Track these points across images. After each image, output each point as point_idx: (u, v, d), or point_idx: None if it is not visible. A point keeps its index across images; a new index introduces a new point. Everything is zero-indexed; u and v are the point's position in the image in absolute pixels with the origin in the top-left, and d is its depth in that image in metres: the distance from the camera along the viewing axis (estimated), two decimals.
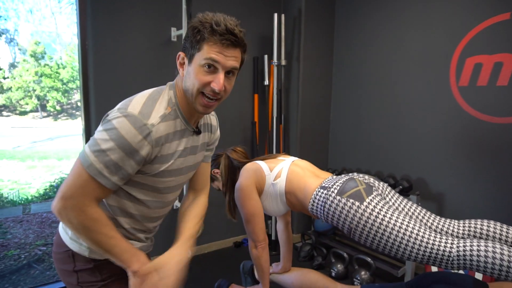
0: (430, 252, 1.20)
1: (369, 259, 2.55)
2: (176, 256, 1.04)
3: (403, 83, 2.82)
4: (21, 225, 3.98)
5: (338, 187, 1.38)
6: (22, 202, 5.48)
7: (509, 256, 1.10)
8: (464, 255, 1.15)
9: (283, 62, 3.05)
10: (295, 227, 3.38)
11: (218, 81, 0.95)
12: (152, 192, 1.08)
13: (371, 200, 1.31)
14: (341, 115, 3.35)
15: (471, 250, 1.14)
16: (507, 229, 1.28)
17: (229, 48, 0.95)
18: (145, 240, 1.18)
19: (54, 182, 6.33)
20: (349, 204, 1.31)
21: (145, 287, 0.96)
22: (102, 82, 2.51)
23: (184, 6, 2.54)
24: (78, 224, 0.94)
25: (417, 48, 2.71)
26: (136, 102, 0.98)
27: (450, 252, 1.17)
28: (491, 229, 1.28)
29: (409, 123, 2.79)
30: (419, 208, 1.43)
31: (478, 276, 1.94)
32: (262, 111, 3.25)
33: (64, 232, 1.12)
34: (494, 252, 1.11)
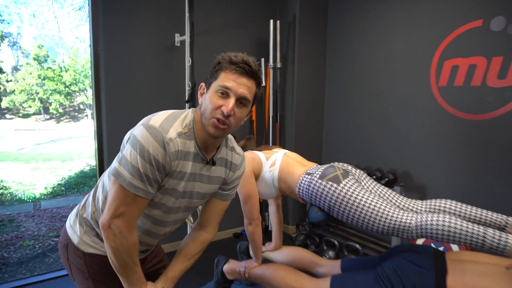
0: (394, 225, 1.43)
1: (357, 246, 2.78)
2: None
3: (389, 84, 3.05)
4: (33, 219, 4.22)
5: (320, 173, 1.61)
6: (30, 200, 5.73)
7: (455, 224, 1.33)
8: (421, 226, 1.38)
9: (279, 65, 3.29)
10: (290, 219, 3.61)
11: (228, 105, 1.04)
12: (158, 208, 1.16)
13: (346, 182, 1.54)
14: (334, 114, 3.59)
15: (426, 221, 1.37)
16: (460, 206, 1.50)
17: (243, 76, 1.06)
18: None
19: (62, 180, 6.60)
20: (328, 185, 1.54)
21: None
22: (112, 83, 2.74)
23: (187, 14, 2.78)
24: (120, 244, 1.05)
25: (401, 52, 2.94)
26: (158, 117, 1.07)
27: (410, 223, 1.40)
28: (447, 206, 1.51)
29: (395, 121, 3.02)
30: (390, 190, 1.66)
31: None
32: (259, 110, 3.48)
33: (69, 224, 1.24)
34: (443, 221, 1.34)
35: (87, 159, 9.17)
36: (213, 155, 1.19)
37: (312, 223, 3.42)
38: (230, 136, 1.30)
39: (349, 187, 1.52)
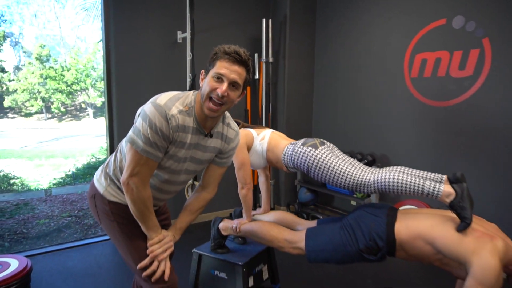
0: (357, 181, 1.78)
1: None
2: (168, 237, 1.48)
3: (369, 77, 3.41)
4: (45, 203, 4.56)
5: (302, 142, 1.97)
6: (40, 189, 6.06)
7: (402, 177, 1.68)
8: (377, 180, 1.73)
9: (271, 60, 3.65)
10: (282, 200, 3.96)
11: (222, 87, 1.28)
12: (164, 170, 1.41)
13: (322, 149, 1.90)
14: (321, 105, 3.94)
15: (381, 177, 1.72)
16: (408, 168, 1.85)
17: (234, 64, 1.29)
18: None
19: (69, 171, 6.94)
20: (308, 150, 1.90)
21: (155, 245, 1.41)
22: (121, 74, 3.09)
23: (188, 13, 3.13)
24: (137, 196, 1.32)
25: (379, 48, 3.30)
26: (164, 97, 1.31)
27: (368, 180, 1.75)
28: (399, 169, 1.85)
29: (374, 110, 3.37)
30: (355, 160, 2.01)
31: None
32: (253, 101, 3.83)
33: (102, 188, 1.48)
34: (394, 176, 1.69)
35: (92, 155, 9.38)
36: (211, 129, 1.43)
37: (302, 203, 3.79)
38: (227, 114, 1.53)
39: (324, 152, 1.88)
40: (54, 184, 6.26)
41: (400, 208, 1.82)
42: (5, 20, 16.64)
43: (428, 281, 2.52)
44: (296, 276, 2.58)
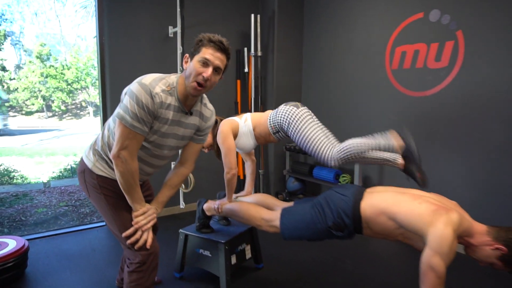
0: (323, 150, 1.99)
1: None
2: (151, 209, 1.62)
3: (354, 69, 3.54)
4: (44, 194, 4.70)
5: (285, 104, 2.16)
6: (39, 182, 6.21)
7: (363, 144, 1.86)
8: (340, 149, 1.92)
9: (259, 54, 3.78)
10: (272, 189, 4.09)
11: (207, 72, 1.44)
12: (149, 144, 1.55)
13: (302, 109, 2.10)
14: (310, 97, 4.07)
15: (343, 145, 1.92)
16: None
17: (218, 52, 1.46)
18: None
19: (68, 165, 7.09)
20: (290, 108, 2.09)
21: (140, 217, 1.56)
22: (115, 68, 3.23)
23: (178, 9, 3.26)
24: (125, 168, 1.46)
25: (363, 41, 3.43)
26: (149, 77, 1.46)
27: (332, 150, 1.94)
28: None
29: (359, 101, 3.50)
30: (329, 132, 2.17)
31: None
32: (243, 94, 3.97)
33: (91, 163, 1.62)
34: (356, 144, 1.88)
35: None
36: (191, 108, 1.59)
37: (290, 192, 3.93)
38: (205, 95, 1.70)
39: (304, 112, 2.09)
40: (53, 178, 6.42)
41: (368, 188, 1.95)
42: (6, 19, 16.76)
43: (400, 261, 2.65)
44: (279, 258, 2.72)
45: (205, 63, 1.44)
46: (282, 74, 3.97)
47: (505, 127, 2.51)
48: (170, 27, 3.44)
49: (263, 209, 2.13)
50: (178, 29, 3.29)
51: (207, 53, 1.44)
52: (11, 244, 2.40)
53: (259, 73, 3.85)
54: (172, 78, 1.52)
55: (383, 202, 1.76)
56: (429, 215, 1.60)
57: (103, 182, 1.60)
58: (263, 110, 3.98)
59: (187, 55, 1.52)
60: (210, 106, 1.73)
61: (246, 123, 2.31)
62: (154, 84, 1.44)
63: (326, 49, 3.81)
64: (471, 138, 2.71)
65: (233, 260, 2.27)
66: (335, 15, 3.69)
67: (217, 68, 1.47)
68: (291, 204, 2.21)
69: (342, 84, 3.67)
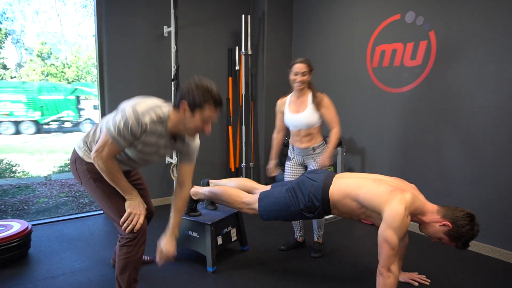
0: None
1: None
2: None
3: (339, 66, 3.74)
4: (45, 186, 4.92)
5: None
6: (40, 176, 6.41)
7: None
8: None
9: (250, 52, 3.99)
10: (262, 180, 4.30)
11: (208, 129, 1.67)
12: (134, 155, 1.75)
13: None
14: None
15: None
16: None
17: (218, 110, 1.65)
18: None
19: (67, 160, 7.29)
20: None
21: (132, 206, 1.74)
22: (113, 65, 3.43)
23: (172, 10, 3.47)
24: (103, 166, 1.65)
25: (347, 41, 3.63)
26: (143, 105, 1.62)
27: None
28: None
29: (343, 97, 3.71)
30: None
31: None
32: (234, 91, 4.18)
33: (82, 152, 1.82)
34: None
35: None
36: (176, 137, 1.77)
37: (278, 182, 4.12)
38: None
39: None
40: (54, 172, 6.63)
41: (337, 174, 2.16)
42: (7, 18, 16.92)
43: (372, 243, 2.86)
44: (264, 241, 2.93)
45: (208, 121, 1.64)
46: (271, 72, 4.17)
47: (473, 120, 2.72)
48: (165, 27, 3.64)
49: (244, 193, 2.34)
50: (172, 28, 3.49)
51: (211, 111, 1.62)
52: (16, 226, 2.60)
53: (249, 70, 4.05)
54: (164, 110, 1.68)
55: (348, 186, 1.97)
56: (386, 195, 1.81)
57: (92, 168, 1.78)
58: (253, 106, 4.19)
59: (185, 102, 1.62)
60: (197, 140, 1.92)
61: None
62: (145, 113, 1.61)
63: (313, 48, 4.02)
64: (441, 130, 2.92)
65: (219, 241, 2.48)
66: (321, 16, 3.89)
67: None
68: (268, 187, 2.41)
69: (327, 80, 3.87)
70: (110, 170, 1.68)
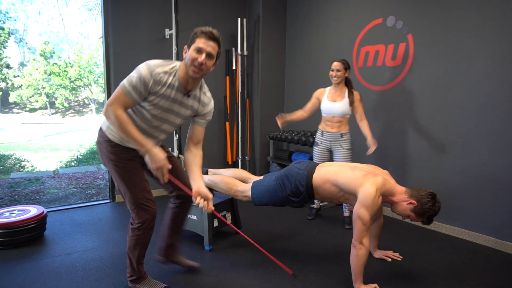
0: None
1: None
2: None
3: (328, 65, 4.01)
4: (54, 179, 5.21)
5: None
6: (48, 170, 6.70)
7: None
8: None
9: (246, 53, 4.27)
10: (257, 173, 4.59)
11: (201, 57, 1.68)
12: (150, 115, 1.79)
13: None
14: (291, 91, 4.57)
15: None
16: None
17: (209, 40, 1.70)
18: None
19: (74, 156, 7.60)
20: None
21: (153, 158, 1.72)
22: (118, 65, 3.73)
23: (173, 14, 3.75)
24: (114, 118, 1.67)
25: (336, 43, 3.92)
26: (155, 61, 1.74)
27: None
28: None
29: None
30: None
31: None
32: (231, 89, 4.46)
33: (105, 126, 1.88)
34: None
35: (95, 143, 9.97)
36: (190, 91, 1.83)
37: None
38: (205, 85, 1.95)
39: None
40: (61, 167, 6.94)
41: (319, 164, 2.45)
42: (10, 17, 17.16)
43: None
44: (257, 225, 3.22)
45: (199, 51, 1.70)
46: (266, 71, 4.46)
47: (445, 114, 3.01)
48: (167, 30, 3.92)
49: (239, 182, 2.63)
50: (174, 31, 3.78)
51: (200, 42, 1.70)
52: (33, 210, 2.90)
53: (245, 70, 4.34)
54: (176, 63, 1.82)
55: (328, 173, 2.26)
56: (360, 179, 2.10)
57: (112, 151, 1.87)
58: (249, 103, 4.48)
59: (186, 46, 1.78)
60: (209, 94, 1.98)
61: None
62: (157, 66, 1.74)
63: (306, 49, 4.30)
64: (419, 123, 3.20)
65: (215, 223, 2.77)
66: (312, 20, 4.18)
67: (209, 54, 1.71)
68: (261, 177, 2.70)
69: (319, 79, 4.16)
70: (121, 122, 1.68)
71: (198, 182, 1.89)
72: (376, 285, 2.10)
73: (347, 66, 3.01)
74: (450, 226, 3.04)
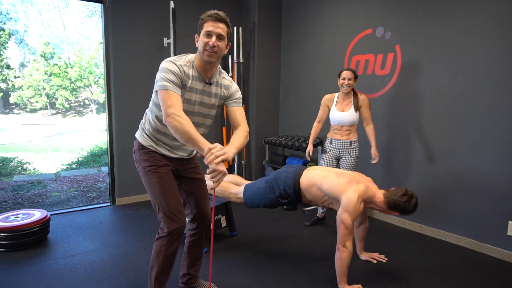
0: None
1: None
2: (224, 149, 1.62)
3: (322, 73, 4.16)
4: (56, 182, 5.35)
5: None
6: (50, 173, 6.83)
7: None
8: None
9: (241, 60, 4.41)
10: (253, 177, 4.73)
11: (212, 40, 1.67)
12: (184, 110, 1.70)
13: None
14: (286, 97, 4.71)
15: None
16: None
17: (217, 22, 1.68)
18: (174, 152, 1.91)
19: (75, 158, 7.74)
20: None
21: (216, 152, 1.57)
22: (118, 73, 3.86)
23: (171, 24, 3.89)
24: (178, 122, 1.60)
25: (328, 51, 4.05)
26: (171, 57, 1.73)
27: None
28: None
29: None
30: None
31: None
32: None
33: (139, 134, 1.92)
34: None
35: (95, 145, 10.06)
36: (210, 79, 1.82)
37: None
38: (222, 70, 1.91)
39: None
40: (62, 170, 7.08)
41: (307, 168, 2.59)
42: (10, 18, 17.24)
43: None
44: (250, 228, 3.36)
45: (209, 34, 1.68)
46: (262, 78, 4.60)
47: (430, 121, 3.15)
48: (165, 38, 4.06)
49: (233, 185, 2.77)
50: (171, 40, 3.92)
51: (208, 26, 1.68)
52: (37, 214, 3.04)
53: (241, 77, 4.48)
54: (190, 55, 1.80)
55: (315, 177, 2.41)
56: (343, 186, 2.24)
57: (147, 157, 1.87)
58: (245, 109, 4.62)
59: (196, 35, 1.77)
60: (228, 77, 1.95)
61: None
62: (177, 59, 1.74)
63: (300, 56, 4.44)
64: (406, 130, 3.34)
65: (211, 227, 2.91)
66: (306, 28, 4.31)
67: (219, 35, 1.69)
68: (253, 181, 2.85)
69: (312, 86, 4.30)
70: (185, 123, 1.62)
71: (228, 147, 1.70)
72: (360, 285, 2.24)
73: (356, 76, 3.10)
74: (435, 229, 3.18)
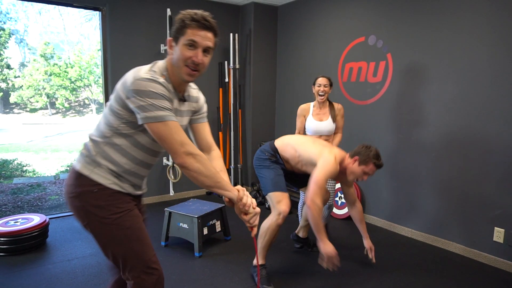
0: None
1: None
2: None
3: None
4: (55, 185, 5.43)
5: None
6: (49, 176, 6.90)
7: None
8: None
9: (237, 66, 4.48)
10: (249, 180, 4.80)
11: (197, 55, 1.24)
12: (152, 139, 1.34)
13: None
14: (282, 102, 4.78)
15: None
16: None
17: (205, 30, 1.24)
18: (138, 188, 1.46)
19: (74, 160, 7.78)
20: None
21: (245, 197, 1.34)
22: (116, 79, 3.91)
23: (168, 30, 3.96)
24: (199, 161, 1.24)
25: (322, 58, 4.12)
26: (142, 71, 1.25)
27: None
28: None
29: None
30: None
31: None
32: (224, 100, 4.67)
33: (87, 169, 1.32)
34: None
35: None
36: (184, 93, 1.41)
37: None
38: None
39: None
40: (61, 172, 7.16)
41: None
42: (11, 18, 17.30)
43: (340, 236, 3.36)
44: (245, 233, 3.43)
45: (193, 45, 1.25)
46: (258, 83, 4.67)
47: (420, 129, 3.22)
48: (162, 45, 4.13)
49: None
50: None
51: (194, 34, 1.24)
52: (36, 219, 3.11)
53: (237, 82, 4.55)
54: (160, 65, 1.34)
55: (289, 139, 2.62)
56: (320, 149, 2.41)
57: (110, 201, 1.35)
58: (241, 114, 4.69)
59: (170, 39, 1.31)
60: (194, 85, 1.54)
61: None
62: (154, 75, 1.26)
63: (294, 62, 4.51)
64: (397, 137, 3.41)
65: (205, 231, 2.99)
66: (301, 35, 4.38)
67: (206, 48, 1.28)
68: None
69: (307, 92, 4.36)
70: (207, 163, 1.29)
71: (233, 188, 1.38)
72: (336, 252, 2.24)
73: (331, 83, 3.05)
74: (425, 234, 3.25)
